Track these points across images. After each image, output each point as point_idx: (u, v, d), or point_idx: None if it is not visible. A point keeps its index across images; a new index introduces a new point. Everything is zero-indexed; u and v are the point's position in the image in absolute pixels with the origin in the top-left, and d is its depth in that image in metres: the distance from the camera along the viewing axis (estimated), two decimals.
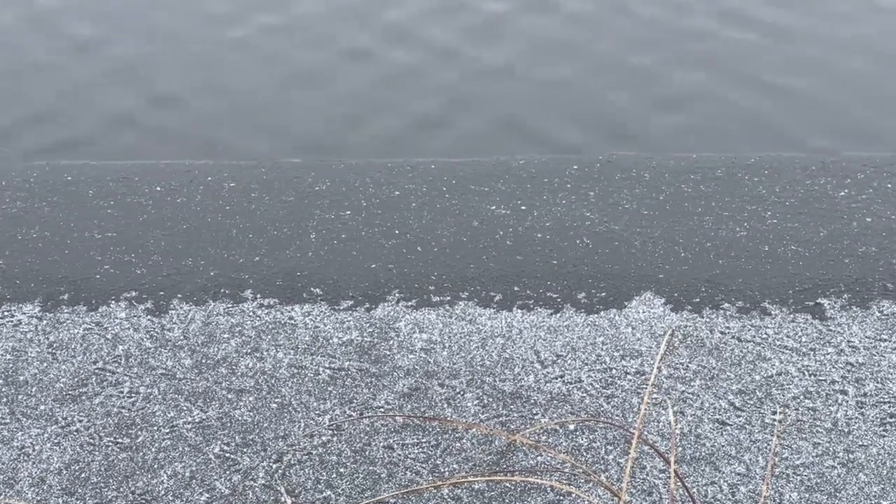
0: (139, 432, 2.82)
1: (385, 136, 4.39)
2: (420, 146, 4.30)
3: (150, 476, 2.72)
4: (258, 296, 3.27)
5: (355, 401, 2.91)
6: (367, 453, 2.77)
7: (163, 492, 2.67)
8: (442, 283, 3.32)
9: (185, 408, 2.89)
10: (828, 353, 3.04)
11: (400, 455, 2.76)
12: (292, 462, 2.75)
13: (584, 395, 2.91)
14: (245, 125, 4.46)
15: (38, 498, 2.67)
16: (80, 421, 2.86)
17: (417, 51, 4.88)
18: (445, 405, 2.89)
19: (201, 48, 4.93)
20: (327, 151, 4.25)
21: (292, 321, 3.17)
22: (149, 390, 2.94)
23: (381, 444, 2.79)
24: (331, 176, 3.87)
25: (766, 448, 2.76)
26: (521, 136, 4.37)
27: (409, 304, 3.23)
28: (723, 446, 2.78)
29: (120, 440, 2.81)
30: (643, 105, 4.54)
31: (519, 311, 3.20)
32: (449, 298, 3.25)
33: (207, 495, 2.66)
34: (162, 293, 3.28)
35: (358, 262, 3.42)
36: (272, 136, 4.39)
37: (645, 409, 2.81)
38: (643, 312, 3.19)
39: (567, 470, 2.70)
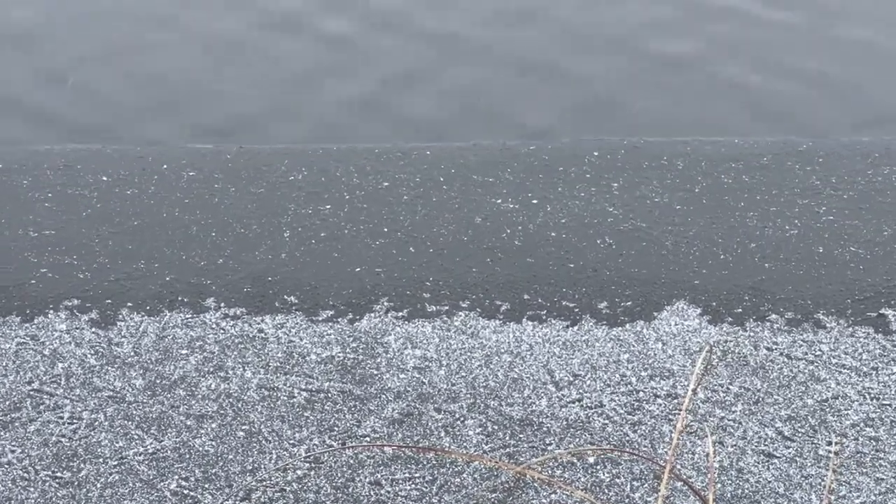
0: (82, 465, 2.82)
1: (320, 119, 4.41)
2: (357, 131, 4.33)
3: None
4: (222, 305, 3.27)
5: (336, 428, 2.91)
6: (350, 490, 2.77)
7: None
8: (439, 291, 3.32)
9: (136, 436, 2.89)
10: (893, 374, 3.04)
11: (389, 492, 2.76)
12: (262, 500, 2.74)
13: (607, 421, 2.91)
14: (147, 106, 4.47)
15: None
16: (13, 451, 2.86)
17: (357, 20, 4.89)
18: (443, 433, 2.89)
19: (97, 18, 4.92)
20: (245, 136, 4.26)
21: (262, 335, 3.17)
22: (93, 416, 2.94)
23: (367, 479, 2.79)
24: (308, 164, 3.86)
25: (819, 485, 2.76)
26: (484, 118, 4.40)
27: (400, 314, 3.23)
28: (769, 482, 2.78)
29: (59, 474, 2.80)
30: (640, 83, 4.56)
31: (529, 323, 3.21)
32: (447, 308, 3.26)
33: None
34: (109, 301, 3.28)
35: (340, 265, 3.42)
36: (181, 119, 4.40)
37: (677, 439, 2.80)
38: (676, 325, 3.19)
39: None
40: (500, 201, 3.66)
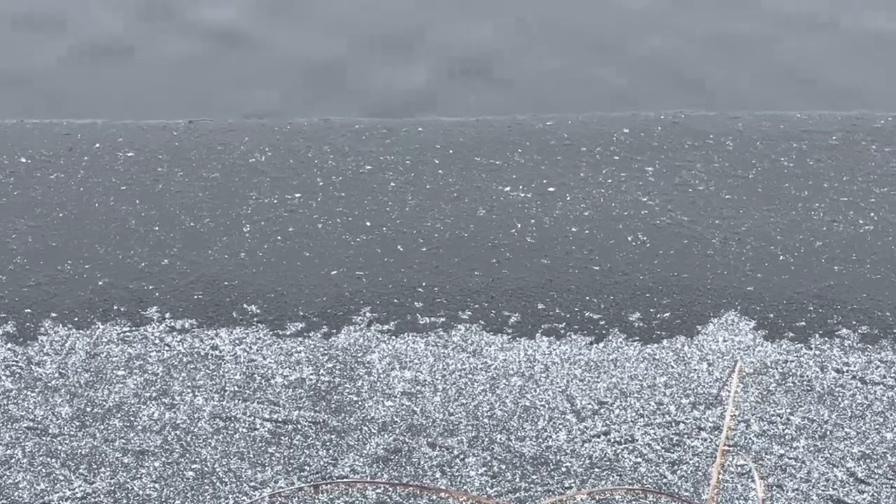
0: None
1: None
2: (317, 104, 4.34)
3: None
4: (168, 315, 3.27)
5: (308, 467, 2.91)
6: None
7: None
8: (433, 298, 3.33)
9: (61, 477, 2.89)
10: None
11: None
12: None
13: (640, 459, 2.92)
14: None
15: None
16: None
17: None
18: (438, 473, 2.89)
19: None
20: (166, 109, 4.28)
21: (217, 352, 3.17)
22: (9, 451, 2.94)
23: None
24: (273, 142, 3.86)
25: None
26: (488, 86, 4.41)
27: (386, 327, 3.24)
28: None
29: None
30: (681, 50, 4.58)
31: (545, 338, 3.21)
32: (443, 320, 3.26)
33: None
34: (28, 311, 3.29)
35: (312, 266, 3.43)
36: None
37: (718, 478, 2.81)
38: (724, 341, 3.20)
39: None
40: (508, 189, 3.67)
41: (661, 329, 3.23)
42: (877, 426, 2.98)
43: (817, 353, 3.16)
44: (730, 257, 3.43)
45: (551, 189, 3.65)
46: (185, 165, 3.76)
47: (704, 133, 3.87)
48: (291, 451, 2.93)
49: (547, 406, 3.03)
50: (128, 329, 3.23)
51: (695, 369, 3.12)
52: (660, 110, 4.04)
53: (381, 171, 3.72)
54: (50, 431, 2.98)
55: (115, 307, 3.29)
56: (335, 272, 3.39)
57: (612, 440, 2.95)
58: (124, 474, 2.88)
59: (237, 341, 3.19)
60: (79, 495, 2.84)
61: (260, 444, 2.94)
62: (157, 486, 2.86)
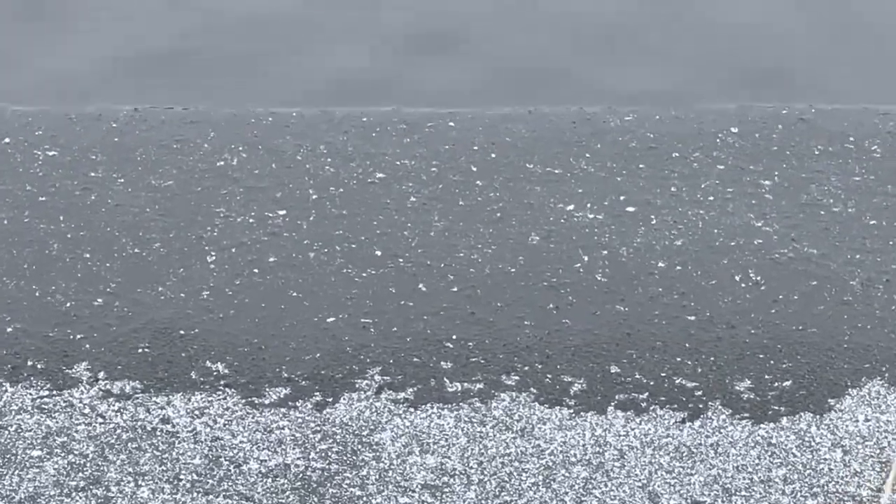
0: None
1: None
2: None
3: None
4: (101, 375, 3.28)
5: None
6: None
7: None
8: (466, 357, 3.33)
9: None
10: None
11: None
12: None
13: None
14: None
15: None
16: None
17: None
18: None
19: None
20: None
21: (169, 427, 3.18)
22: None
23: None
24: (249, 139, 3.89)
25: None
26: (547, 72, 4.44)
27: (403, 396, 3.25)
28: None
29: None
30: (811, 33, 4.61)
31: (620, 413, 3.22)
32: (481, 387, 3.26)
33: None
34: None
35: (300, 310, 3.44)
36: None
37: None
38: (867, 421, 3.19)
39: None
40: (571, 208, 3.68)
41: (779, 403, 3.23)
42: None
43: None
44: (875, 306, 3.44)
45: (630, 209, 3.67)
46: (127, 169, 3.78)
47: (841, 133, 3.88)
48: None
49: None
50: (47, 393, 3.24)
51: (825, 459, 3.12)
52: (783, 103, 4.02)
53: (398, 182, 3.75)
54: None
55: (30, 363, 3.31)
56: (332, 319, 3.41)
57: None
58: None
59: (197, 412, 3.20)
60: None
61: None
62: None
